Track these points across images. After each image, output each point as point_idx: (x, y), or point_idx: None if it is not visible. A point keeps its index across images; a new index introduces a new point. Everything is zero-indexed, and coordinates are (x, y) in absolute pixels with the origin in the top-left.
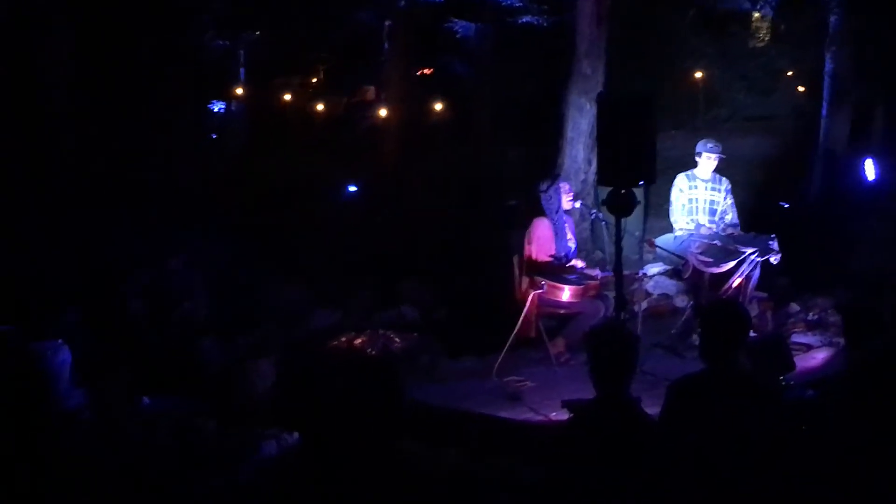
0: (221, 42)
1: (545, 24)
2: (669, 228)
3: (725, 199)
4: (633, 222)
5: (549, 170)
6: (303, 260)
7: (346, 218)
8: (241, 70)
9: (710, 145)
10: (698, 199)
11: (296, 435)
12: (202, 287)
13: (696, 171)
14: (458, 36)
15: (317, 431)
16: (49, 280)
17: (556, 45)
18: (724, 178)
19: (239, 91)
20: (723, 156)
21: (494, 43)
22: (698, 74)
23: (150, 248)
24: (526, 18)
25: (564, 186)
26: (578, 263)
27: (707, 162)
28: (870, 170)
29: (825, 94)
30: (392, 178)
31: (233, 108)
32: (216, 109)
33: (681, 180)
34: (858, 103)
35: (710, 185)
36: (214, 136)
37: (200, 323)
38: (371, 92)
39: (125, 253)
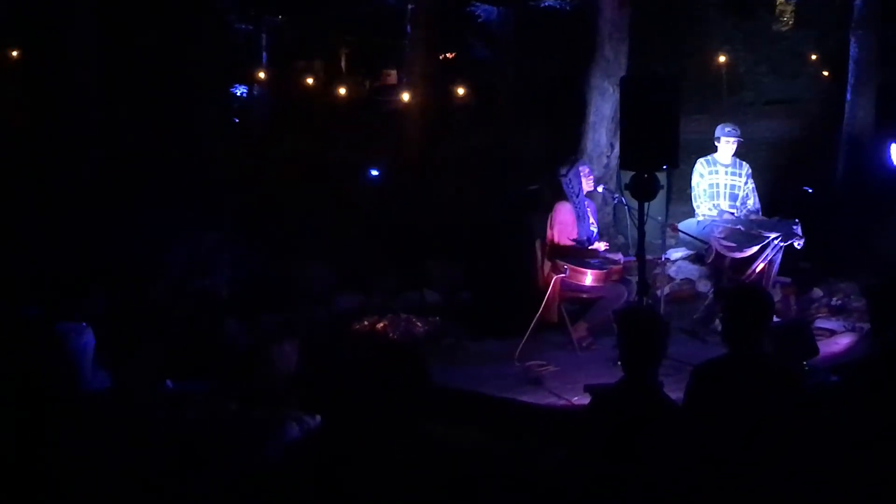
0: (244, 26)
1: (567, 7)
2: (692, 213)
3: (746, 183)
4: (655, 207)
5: (571, 154)
6: (327, 242)
7: (368, 201)
8: (264, 54)
9: (727, 129)
10: (719, 183)
11: (318, 418)
12: (228, 267)
13: (715, 155)
14: (480, 20)
15: (339, 414)
16: (75, 262)
17: (579, 29)
18: (744, 163)
19: (261, 75)
20: (741, 139)
21: (516, 26)
22: (722, 58)
23: (176, 230)
24: (548, 2)
25: (584, 170)
26: (601, 247)
27: (726, 146)
28: (895, 154)
29: (849, 78)
30: (415, 162)
31: (255, 92)
32: (238, 93)
33: (701, 165)
34: (883, 88)
35: (730, 169)
36: (237, 120)
37: (226, 303)
38: (393, 76)
39: (151, 235)
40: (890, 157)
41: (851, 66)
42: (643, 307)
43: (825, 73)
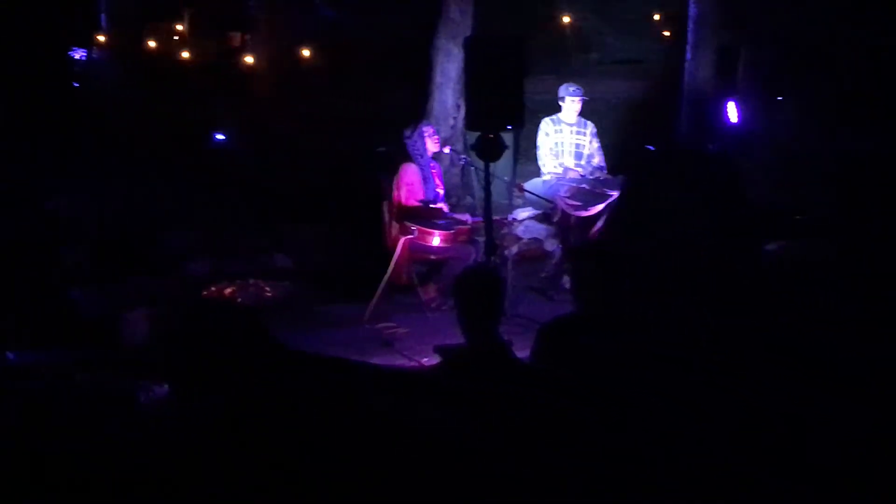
0: None
1: None
2: (539, 173)
3: (591, 142)
4: (502, 167)
5: (420, 116)
6: (181, 207)
7: (219, 165)
8: (102, 16)
9: (572, 89)
10: (564, 142)
11: (166, 387)
12: (79, 232)
13: (560, 115)
14: None
15: (186, 382)
16: None
17: None
18: (589, 122)
19: (101, 38)
20: (585, 98)
21: None
22: (567, 19)
23: (21, 196)
24: None
25: (428, 130)
26: (445, 207)
27: (571, 105)
28: (732, 112)
29: (689, 38)
30: (265, 124)
31: (94, 55)
32: (77, 57)
33: (546, 125)
34: (721, 47)
35: (575, 128)
36: (77, 84)
37: (77, 269)
38: (238, 38)
39: None
40: (727, 114)
41: (690, 26)
42: (476, 267)
43: (666, 34)
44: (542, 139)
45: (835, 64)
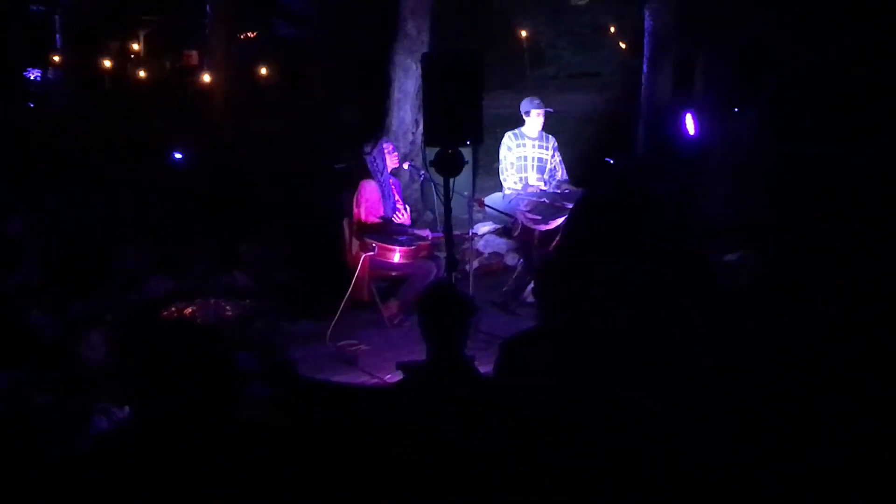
0: (36, 7)
1: None
2: (499, 187)
3: (553, 156)
4: (461, 182)
5: (379, 132)
6: (138, 226)
7: (176, 183)
8: (57, 36)
9: (536, 102)
10: (527, 156)
11: (127, 409)
12: (35, 253)
13: (523, 129)
14: None
15: (147, 405)
16: None
17: (384, 6)
18: (550, 136)
19: (56, 58)
20: (549, 110)
21: (321, 4)
22: (524, 33)
23: None
24: None
25: (388, 147)
26: (406, 219)
27: (536, 119)
28: (690, 124)
29: (646, 51)
30: (221, 142)
31: (49, 75)
32: (32, 77)
33: (508, 139)
34: (678, 60)
35: (537, 142)
36: (32, 105)
37: (34, 290)
38: (194, 56)
39: None
40: (685, 126)
41: (647, 39)
42: (441, 284)
43: (623, 46)
44: (504, 153)
45: (785, 75)
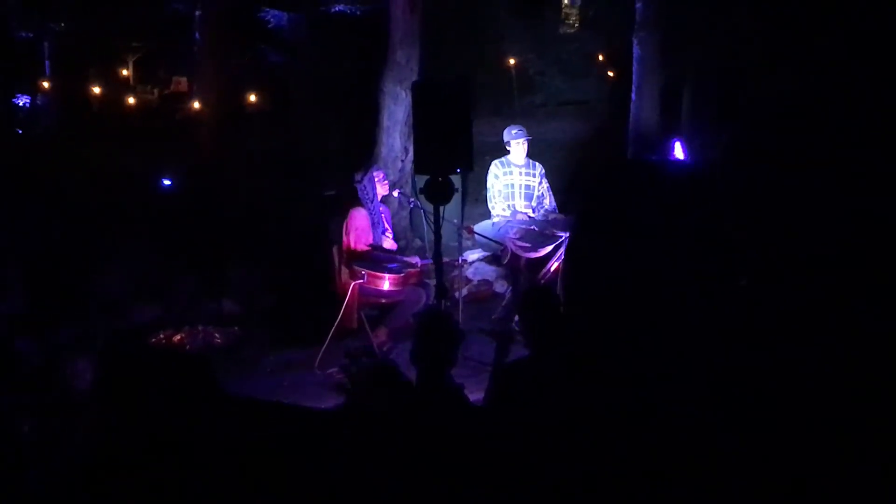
0: (25, 34)
1: (358, 13)
2: (488, 215)
3: (541, 183)
4: (451, 210)
5: (368, 158)
6: (125, 252)
7: (164, 209)
8: (46, 63)
9: (514, 132)
10: (514, 184)
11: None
12: (18, 280)
13: (509, 157)
14: (270, 25)
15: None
16: None
17: (373, 33)
18: (537, 164)
19: (45, 85)
20: (529, 137)
21: (310, 32)
22: (512, 61)
23: None
24: (339, 7)
25: (379, 175)
26: (393, 245)
27: (518, 148)
28: (679, 151)
29: (634, 78)
30: (209, 169)
31: (38, 101)
32: (21, 104)
33: (495, 167)
34: (665, 87)
35: (524, 170)
36: (20, 132)
37: (16, 318)
38: (184, 83)
39: None
40: (674, 154)
41: (635, 66)
42: (435, 311)
43: (611, 74)
44: (491, 181)
45: (757, 102)
